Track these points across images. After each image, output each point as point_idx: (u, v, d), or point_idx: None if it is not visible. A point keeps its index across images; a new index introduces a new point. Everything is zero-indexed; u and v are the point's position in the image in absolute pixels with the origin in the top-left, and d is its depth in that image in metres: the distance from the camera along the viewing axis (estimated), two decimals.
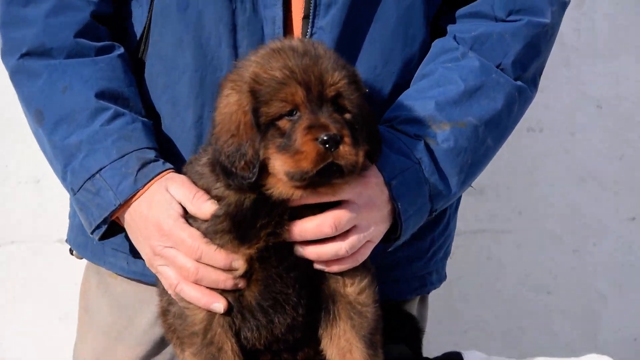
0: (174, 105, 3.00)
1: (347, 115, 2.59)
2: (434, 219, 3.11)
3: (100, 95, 2.91)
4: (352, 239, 2.69)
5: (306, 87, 2.55)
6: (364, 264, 2.75)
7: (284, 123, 2.57)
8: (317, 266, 2.69)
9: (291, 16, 2.94)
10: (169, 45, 2.98)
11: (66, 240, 3.30)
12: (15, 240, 4.47)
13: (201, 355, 2.67)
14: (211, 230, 2.67)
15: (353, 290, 2.71)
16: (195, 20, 2.93)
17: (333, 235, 2.66)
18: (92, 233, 2.90)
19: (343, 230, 2.67)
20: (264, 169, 2.58)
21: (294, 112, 2.56)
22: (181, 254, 2.71)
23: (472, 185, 3.04)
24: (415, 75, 3.03)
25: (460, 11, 3.04)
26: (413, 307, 3.31)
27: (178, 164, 2.91)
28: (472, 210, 4.63)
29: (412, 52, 3.02)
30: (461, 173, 2.90)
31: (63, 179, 2.93)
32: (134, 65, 3.05)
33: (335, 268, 2.70)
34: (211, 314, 2.68)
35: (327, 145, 2.50)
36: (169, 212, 2.75)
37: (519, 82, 2.97)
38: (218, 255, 2.66)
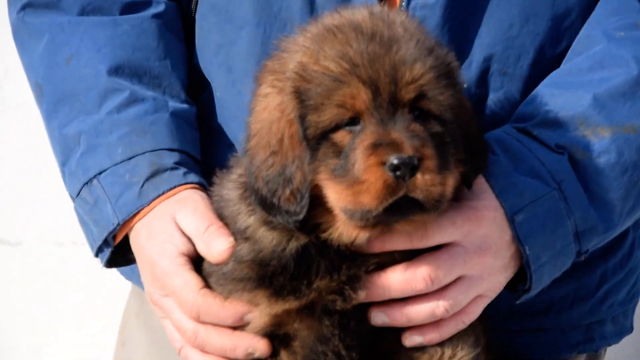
0: (229, 72, 2.53)
1: (434, 125, 2.14)
2: (607, 245, 2.59)
3: (116, 70, 2.50)
4: (454, 294, 2.24)
5: (373, 87, 2.08)
6: (472, 328, 2.32)
7: (341, 136, 2.11)
8: (410, 341, 2.25)
9: None
10: None
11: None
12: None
13: None
14: (229, 277, 2.25)
15: None
16: None
17: (428, 292, 2.25)
18: (96, 256, 2.49)
19: (442, 284, 2.23)
20: (317, 201, 2.15)
21: (356, 121, 2.11)
22: (177, 308, 2.31)
23: None
24: (574, 43, 2.52)
25: None
26: None
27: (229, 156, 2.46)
28: None
29: (568, 6, 2.49)
30: (627, 199, 2.39)
31: (63, 180, 2.54)
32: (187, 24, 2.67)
33: (432, 337, 2.24)
34: None
35: (398, 173, 2.04)
36: (165, 249, 2.30)
37: None
38: (221, 311, 2.24)
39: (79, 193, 2.45)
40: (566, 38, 2.51)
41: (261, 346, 2.25)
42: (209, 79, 2.56)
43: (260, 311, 2.24)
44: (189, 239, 2.31)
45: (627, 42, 2.46)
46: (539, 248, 2.32)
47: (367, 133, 2.09)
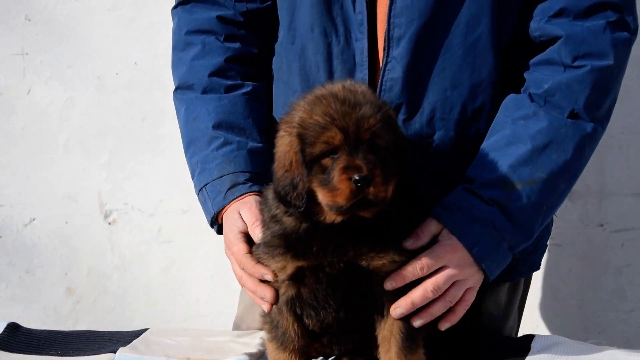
0: None
1: (381, 154, 2.80)
2: None
3: (217, 126, 3.37)
4: (451, 292, 3.03)
5: (344, 132, 2.76)
6: None
7: (326, 161, 2.79)
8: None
9: (378, 46, 3.24)
10: (285, 72, 3.42)
11: None
12: None
13: (271, 334, 3.05)
14: (268, 245, 2.97)
15: None
16: (300, 52, 3.34)
17: (435, 297, 2.99)
18: (211, 228, 3.38)
19: (442, 290, 3.00)
20: (314, 200, 2.82)
21: (335, 152, 2.78)
22: (234, 262, 3.15)
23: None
24: (493, 123, 3.23)
25: (534, 60, 3.22)
26: (503, 291, 3.59)
27: None
28: None
29: (481, 79, 3.22)
30: (537, 219, 3.13)
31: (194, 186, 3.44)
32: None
33: (446, 322, 3.07)
34: (277, 305, 3.01)
35: (359, 185, 2.71)
36: (231, 228, 3.19)
37: (590, 124, 3.13)
38: (252, 268, 3.04)
39: (198, 194, 3.34)
40: (480, 98, 3.18)
41: (269, 294, 2.97)
42: None
43: (288, 265, 2.89)
44: (245, 224, 3.10)
45: (524, 127, 3.10)
46: (490, 262, 3.03)
47: (341, 160, 2.73)
